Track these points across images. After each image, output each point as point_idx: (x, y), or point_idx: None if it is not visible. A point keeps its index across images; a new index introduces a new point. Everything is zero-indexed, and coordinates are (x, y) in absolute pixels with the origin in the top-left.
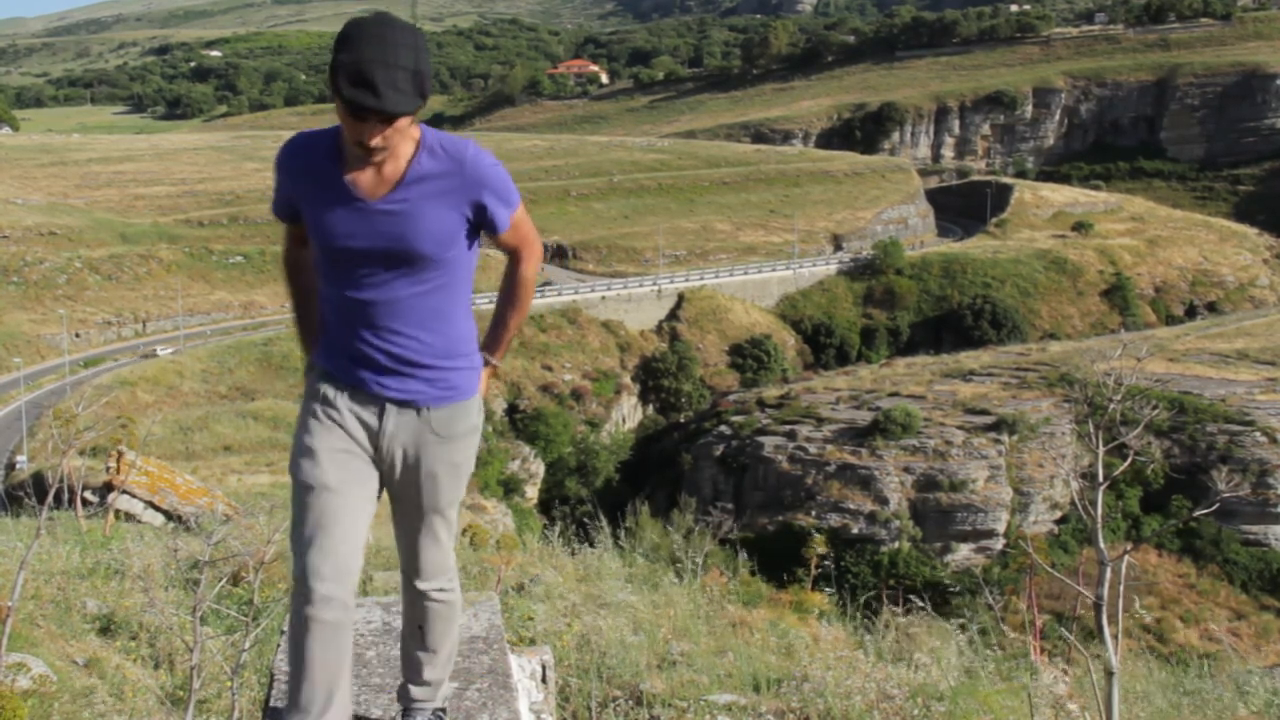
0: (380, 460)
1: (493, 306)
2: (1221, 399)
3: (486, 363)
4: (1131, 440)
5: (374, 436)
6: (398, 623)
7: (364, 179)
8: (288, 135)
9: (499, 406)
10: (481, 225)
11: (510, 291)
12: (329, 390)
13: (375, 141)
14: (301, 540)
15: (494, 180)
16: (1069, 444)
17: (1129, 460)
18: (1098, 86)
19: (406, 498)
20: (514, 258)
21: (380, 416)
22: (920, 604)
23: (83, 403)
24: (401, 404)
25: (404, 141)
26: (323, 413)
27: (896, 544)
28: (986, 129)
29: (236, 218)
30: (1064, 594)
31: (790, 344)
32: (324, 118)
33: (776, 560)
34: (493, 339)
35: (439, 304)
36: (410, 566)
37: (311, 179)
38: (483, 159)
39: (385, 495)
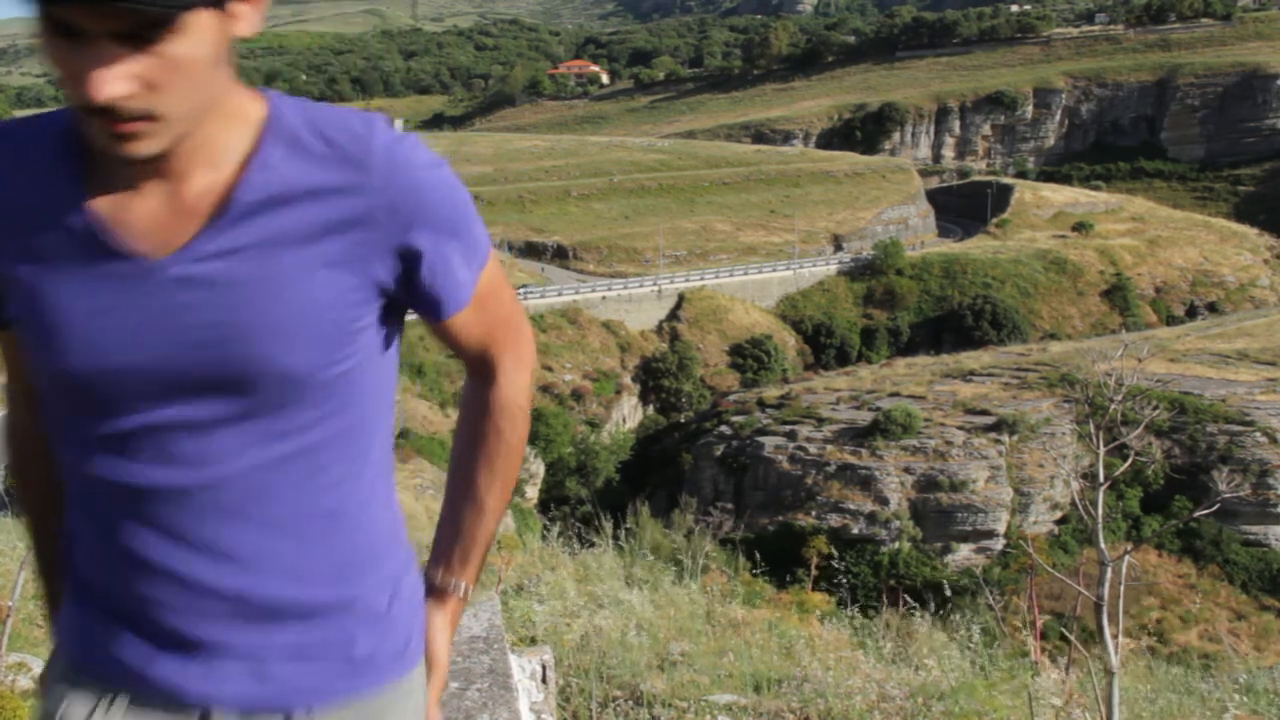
0: None
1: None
2: (1222, 399)
3: (437, 591)
4: (1132, 440)
5: None
6: None
7: (143, 211)
8: None
9: None
10: (410, 299)
11: (484, 438)
12: (80, 706)
13: (118, 91)
14: None
15: (435, 199)
16: (1069, 444)
17: (1129, 461)
18: (1098, 86)
19: None
20: (486, 367)
21: None
22: (920, 604)
23: None
24: (245, 714)
25: (221, 120)
26: None
27: (896, 544)
28: (987, 129)
29: None
30: (1064, 594)
31: (790, 344)
32: None
33: (777, 560)
34: (454, 538)
35: (323, 481)
36: None
37: (24, 221)
38: (411, 155)
39: None
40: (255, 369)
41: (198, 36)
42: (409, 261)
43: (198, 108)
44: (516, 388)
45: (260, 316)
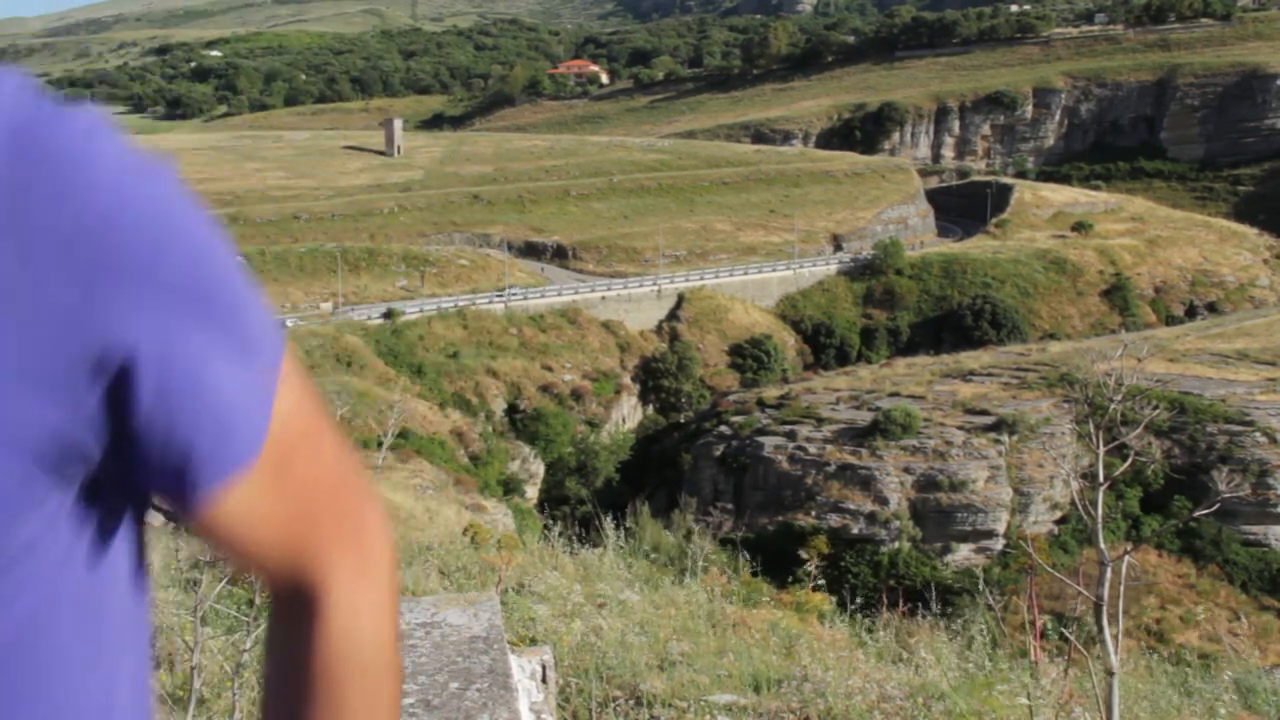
0: None
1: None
2: (1221, 399)
3: None
4: (1132, 440)
5: None
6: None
7: None
8: (288, 135)
9: (499, 407)
10: (126, 466)
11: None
12: None
13: None
14: None
15: (156, 235)
16: (1069, 444)
17: (1129, 460)
18: (1098, 86)
19: None
20: (303, 588)
21: None
22: (920, 604)
23: None
24: None
25: None
26: None
27: (896, 544)
28: (986, 129)
29: (236, 218)
30: (1064, 594)
31: (790, 344)
32: (325, 117)
33: (777, 560)
34: None
35: None
36: None
37: None
38: (93, 146)
39: None
40: None
41: None
42: (113, 375)
43: None
44: (366, 619)
45: None
